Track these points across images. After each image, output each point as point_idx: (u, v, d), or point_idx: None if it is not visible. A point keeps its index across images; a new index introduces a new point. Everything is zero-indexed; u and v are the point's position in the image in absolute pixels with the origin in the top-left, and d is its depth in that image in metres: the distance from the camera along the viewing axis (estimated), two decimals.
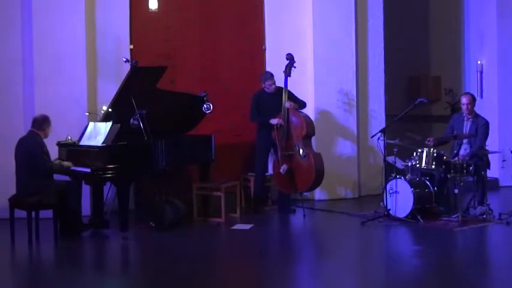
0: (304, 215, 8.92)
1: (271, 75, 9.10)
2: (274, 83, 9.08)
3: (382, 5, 10.40)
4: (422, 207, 8.42)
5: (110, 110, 8.24)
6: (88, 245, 8.06)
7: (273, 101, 9.04)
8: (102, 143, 7.85)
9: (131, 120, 8.02)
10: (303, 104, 9.14)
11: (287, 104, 8.93)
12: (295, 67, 9.07)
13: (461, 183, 8.27)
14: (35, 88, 9.05)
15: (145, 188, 9.35)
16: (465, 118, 8.75)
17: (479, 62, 11.30)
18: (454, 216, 8.33)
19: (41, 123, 7.90)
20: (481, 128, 8.61)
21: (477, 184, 8.52)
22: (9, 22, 9.11)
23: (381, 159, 9.06)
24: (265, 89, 9.16)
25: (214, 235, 8.33)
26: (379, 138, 8.67)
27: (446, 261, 6.95)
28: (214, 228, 8.53)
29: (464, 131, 8.67)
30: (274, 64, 9.53)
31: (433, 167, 8.46)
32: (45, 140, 7.95)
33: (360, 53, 10.26)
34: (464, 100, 8.75)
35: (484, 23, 11.29)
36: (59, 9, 9.06)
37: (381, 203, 8.68)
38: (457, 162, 8.27)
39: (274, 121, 8.95)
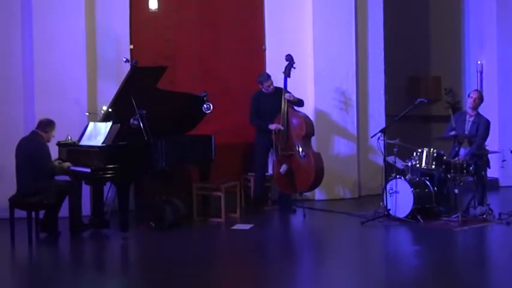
0: (304, 215, 8.92)
1: (268, 76, 9.11)
2: (272, 84, 9.09)
3: (382, 5, 10.42)
4: (422, 207, 8.42)
5: (110, 110, 8.24)
6: (88, 245, 8.06)
7: (272, 102, 9.05)
8: (102, 143, 7.85)
9: (131, 120, 8.02)
10: (301, 102, 9.14)
11: (287, 95, 8.93)
12: (294, 68, 9.07)
13: (461, 183, 8.27)
14: (34, 88, 9.05)
15: (146, 188, 9.35)
16: (467, 117, 8.77)
17: (479, 62, 11.31)
18: (454, 216, 8.33)
19: (45, 125, 7.90)
20: (482, 126, 8.63)
21: (477, 184, 8.53)
22: (9, 22, 9.11)
23: (381, 159, 9.06)
24: (264, 89, 9.17)
25: (214, 235, 8.33)
26: (379, 138, 8.67)
27: (446, 261, 6.95)
28: (214, 228, 8.53)
29: (465, 131, 8.67)
30: (274, 64, 9.54)
31: (433, 167, 8.46)
32: None
33: (360, 53, 10.26)
34: (473, 94, 8.85)
35: (484, 23, 11.30)
36: (59, 9, 9.06)
37: (381, 203, 8.68)
38: (457, 162, 8.27)
39: (272, 127, 8.96)
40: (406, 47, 12.00)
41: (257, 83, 9.21)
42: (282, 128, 8.92)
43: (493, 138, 9.87)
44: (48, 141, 7.98)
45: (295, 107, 9.16)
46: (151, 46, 9.60)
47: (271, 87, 9.10)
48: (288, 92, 8.99)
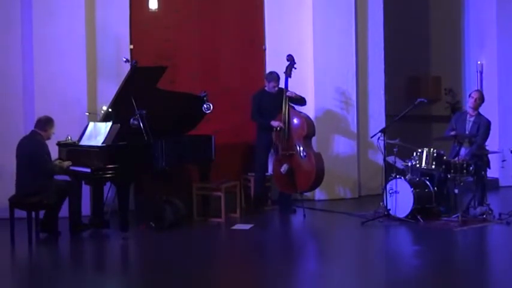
0: (304, 215, 8.92)
1: (278, 77, 9.08)
2: (278, 86, 9.09)
3: (382, 5, 10.42)
4: (422, 207, 8.42)
5: (110, 110, 8.24)
6: (88, 245, 8.06)
7: (273, 101, 9.06)
8: (102, 143, 7.85)
9: (131, 120, 8.02)
10: (303, 99, 9.14)
11: (288, 92, 8.95)
12: (295, 68, 9.08)
13: (461, 183, 8.27)
14: (35, 88, 9.05)
15: (146, 188, 9.35)
16: (467, 117, 8.77)
17: (479, 62, 11.31)
18: (454, 216, 8.33)
19: (44, 124, 7.90)
20: (483, 126, 8.64)
21: (477, 184, 8.53)
22: (10, 22, 9.11)
23: (381, 159, 9.06)
24: (267, 88, 9.17)
25: (214, 235, 8.33)
26: (379, 138, 8.67)
27: (446, 261, 6.95)
28: (214, 228, 8.53)
29: (466, 131, 8.67)
30: (274, 64, 9.53)
31: (433, 167, 8.46)
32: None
33: (360, 53, 10.26)
34: (474, 94, 8.83)
35: (484, 23, 11.30)
36: (59, 9, 9.06)
37: (381, 203, 8.68)
38: (457, 162, 8.27)
39: (275, 123, 8.96)
40: (406, 47, 12.00)
41: (264, 78, 9.22)
42: (283, 126, 8.92)
43: (493, 138, 9.86)
44: (49, 138, 7.97)
45: (297, 107, 9.16)
46: (151, 46, 9.59)
47: (276, 88, 9.11)
48: (289, 90, 9.00)
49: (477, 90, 9.24)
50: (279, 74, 9.10)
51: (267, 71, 9.62)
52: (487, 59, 11.25)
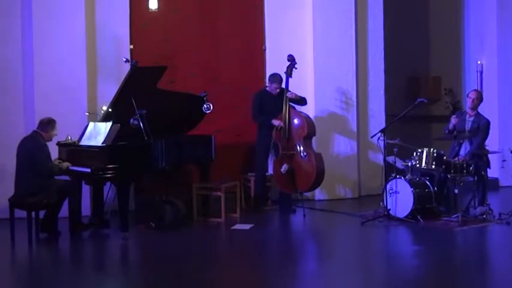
0: (304, 215, 8.92)
1: (281, 80, 9.08)
2: (280, 88, 9.09)
3: (382, 5, 10.43)
4: (422, 207, 8.42)
5: (110, 110, 8.24)
6: (88, 245, 8.06)
7: (274, 101, 9.07)
8: (102, 143, 7.85)
9: (131, 120, 8.02)
10: (303, 100, 9.15)
11: (289, 94, 8.96)
12: (296, 68, 9.09)
13: (461, 183, 8.27)
14: (35, 88, 9.05)
15: (146, 188, 9.35)
16: (467, 117, 8.77)
17: (479, 62, 11.31)
18: (454, 216, 8.33)
19: (46, 125, 7.90)
20: (482, 126, 8.64)
21: (477, 184, 8.52)
22: (9, 22, 9.10)
23: (381, 159, 9.06)
24: (268, 88, 9.17)
25: (214, 235, 8.33)
26: (379, 138, 8.67)
27: (446, 261, 6.94)
28: (214, 228, 8.53)
29: (466, 130, 8.67)
30: (274, 64, 9.54)
31: (433, 167, 8.46)
32: None
33: (360, 52, 10.27)
34: (471, 95, 8.84)
35: (484, 23, 11.30)
36: (59, 9, 9.06)
37: (381, 203, 8.68)
38: (457, 162, 8.27)
39: (275, 122, 8.97)
40: (406, 47, 12.00)
41: (267, 79, 9.23)
42: (284, 125, 8.93)
43: (493, 138, 9.87)
44: (50, 140, 7.98)
45: (297, 107, 9.17)
46: (151, 46, 9.60)
47: (278, 90, 9.11)
48: (290, 91, 9.01)
49: (475, 90, 9.23)
50: (280, 73, 9.10)
51: (267, 71, 9.64)
52: (487, 59, 11.25)
